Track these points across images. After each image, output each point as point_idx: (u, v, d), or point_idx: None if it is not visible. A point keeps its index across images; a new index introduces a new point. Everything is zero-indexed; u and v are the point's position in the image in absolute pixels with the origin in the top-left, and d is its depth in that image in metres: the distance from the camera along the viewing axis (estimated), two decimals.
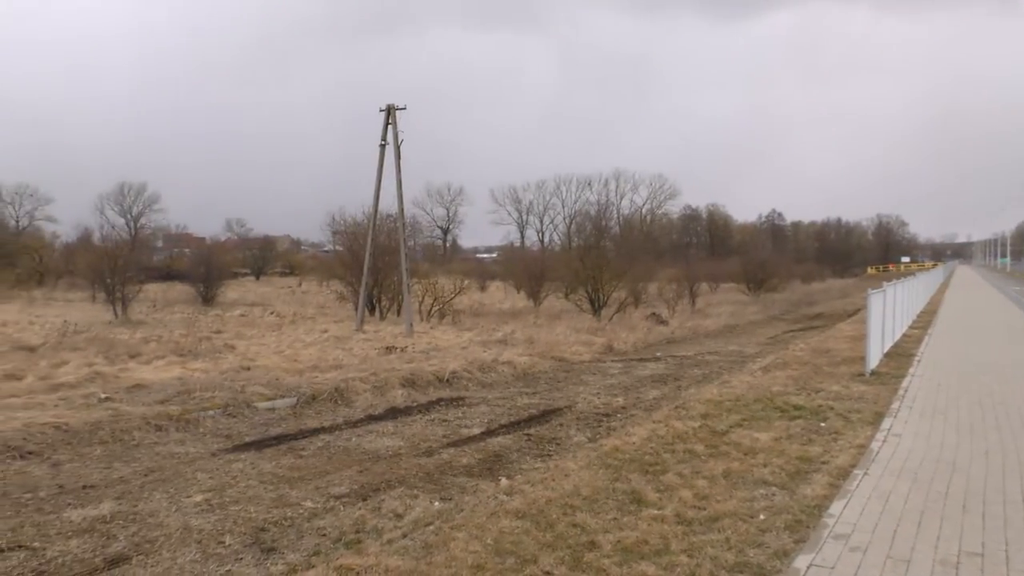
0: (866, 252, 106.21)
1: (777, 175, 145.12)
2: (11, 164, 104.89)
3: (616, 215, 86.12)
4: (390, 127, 23.11)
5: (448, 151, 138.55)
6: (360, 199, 66.75)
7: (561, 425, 10.20)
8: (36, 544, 5.54)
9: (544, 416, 10.86)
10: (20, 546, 5.49)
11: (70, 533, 5.80)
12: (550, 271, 36.71)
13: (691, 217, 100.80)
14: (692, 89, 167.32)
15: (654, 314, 29.46)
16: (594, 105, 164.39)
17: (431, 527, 5.30)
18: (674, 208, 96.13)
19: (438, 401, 12.06)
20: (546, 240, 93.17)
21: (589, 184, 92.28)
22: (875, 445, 7.14)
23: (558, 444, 9.07)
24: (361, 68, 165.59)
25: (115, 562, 5.23)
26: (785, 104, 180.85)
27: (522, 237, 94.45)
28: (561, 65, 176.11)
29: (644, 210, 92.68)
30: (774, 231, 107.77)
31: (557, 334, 21.65)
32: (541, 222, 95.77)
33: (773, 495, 5.74)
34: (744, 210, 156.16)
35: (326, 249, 73.92)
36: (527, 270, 39.49)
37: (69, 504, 6.55)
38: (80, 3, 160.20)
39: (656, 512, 5.39)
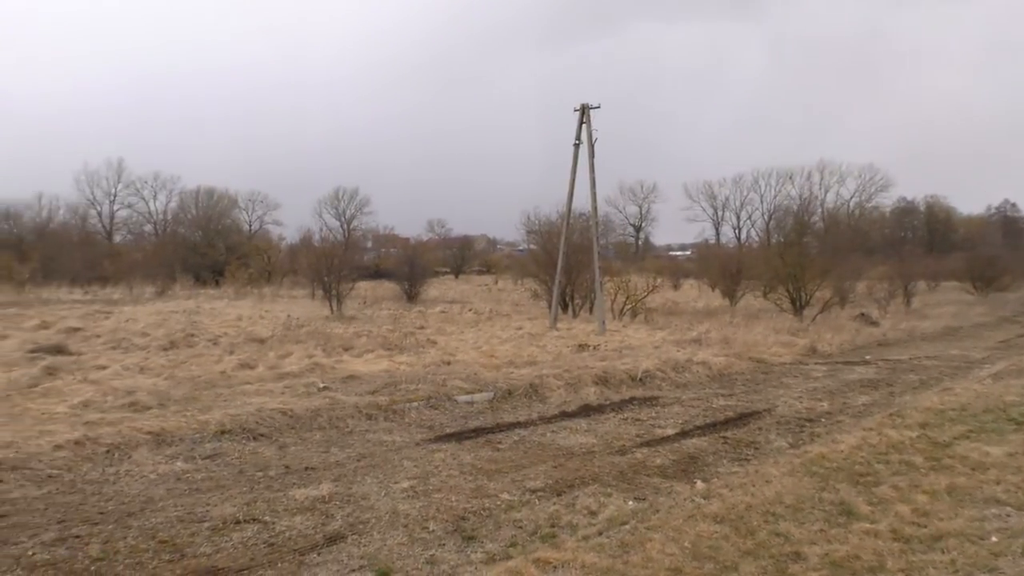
0: None
1: (1013, 163, 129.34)
2: (246, 173, 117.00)
3: (820, 209, 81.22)
4: (584, 126, 23.22)
5: (642, 148, 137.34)
6: (554, 198, 67.83)
7: (760, 429, 9.79)
8: (267, 518, 6.13)
9: (741, 419, 10.47)
10: (254, 519, 6.09)
11: (295, 510, 6.36)
12: (747, 269, 35.29)
13: (906, 210, 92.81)
14: (915, 70, 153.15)
15: (863, 314, 27.48)
16: (800, 94, 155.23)
17: (626, 526, 5.29)
18: (886, 200, 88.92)
19: (631, 400, 11.99)
20: (743, 237, 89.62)
21: (790, 177, 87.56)
22: None
23: (757, 448, 8.71)
24: (559, 68, 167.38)
25: (333, 539, 5.67)
26: None
27: (717, 234, 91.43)
28: (768, 53, 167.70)
29: (852, 203, 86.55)
30: (1006, 224, 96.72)
31: (755, 334, 20.77)
32: (738, 218, 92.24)
33: (1008, 516, 5.18)
34: (970, 201, 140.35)
35: (521, 248, 75.82)
36: (722, 268, 38.22)
37: (294, 484, 7.17)
38: (305, 31, 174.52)
39: (869, 526, 5.04)
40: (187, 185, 73.90)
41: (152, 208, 77.21)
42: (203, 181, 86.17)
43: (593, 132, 23.14)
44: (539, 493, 6.90)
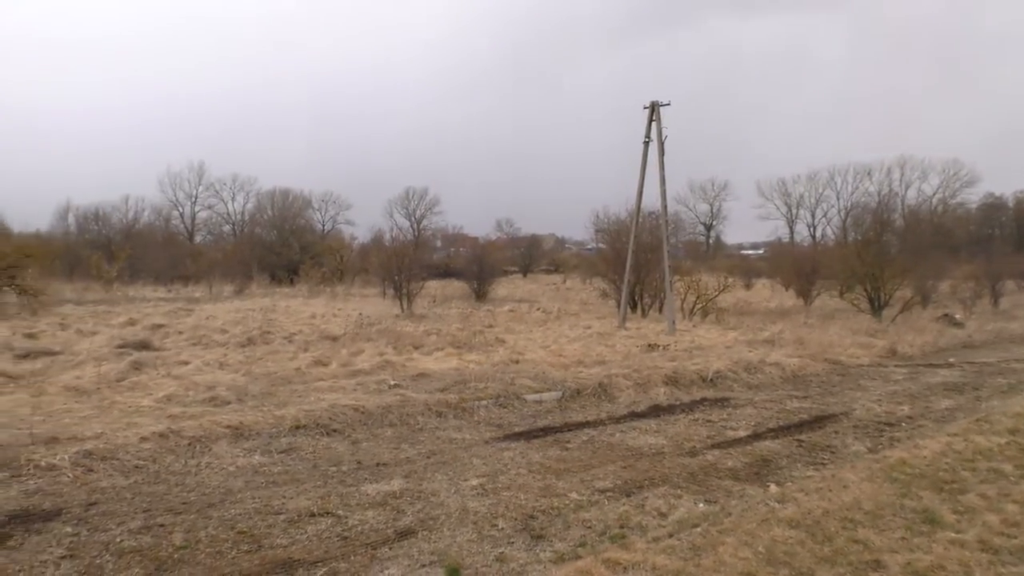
0: None
1: None
2: (320, 174, 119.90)
3: (900, 206, 78.33)
4: (653, 123, 22.98)
5: (714, 145, 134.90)
6: (623, 197, 67.08)
7: (836, 432, 9.51)
8: (340, 512, 6.26)
9: (817, 422, 10.19)
10: (327, 513, 6.23)
11: (367, 505, 6.48)
12: (822, 268, 34.31)
13: (994, 206, 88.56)
14: (1003, 58, 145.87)
15: (946, 315, 26.42)
16: (879, 87, 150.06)
17: (698, 529, 5.21)
18: (972, 196, 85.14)
19: (702, 401, 11.81)
20: (817, 235, 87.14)
21: (868, 173, 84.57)
22: None
23: (833, 452, 8.47)
24: (629, 65, 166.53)
25: (404, 534, 5.76)
26: None
27: (791, 232, 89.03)
28: (846, 45, 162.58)
29: (935, 200, 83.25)
30: None
31: (831, 335, 20.18)
32: (812, 216, 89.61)
33: None
34: None
35: (589, 247, 75.49)
36: (796, 266, 37.27)
37: (366, 479, 7.31)
38: (380, 37, 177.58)
39: (954, 535, 4.84)
40: (264, 186, 76.21)
41: (230, 209, 79.77)
42: (279, 182, 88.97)
43: (663, 129, 22.89)
44: (608, 493, 6.86)
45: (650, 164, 23.45)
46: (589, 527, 5.90)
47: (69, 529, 5.74)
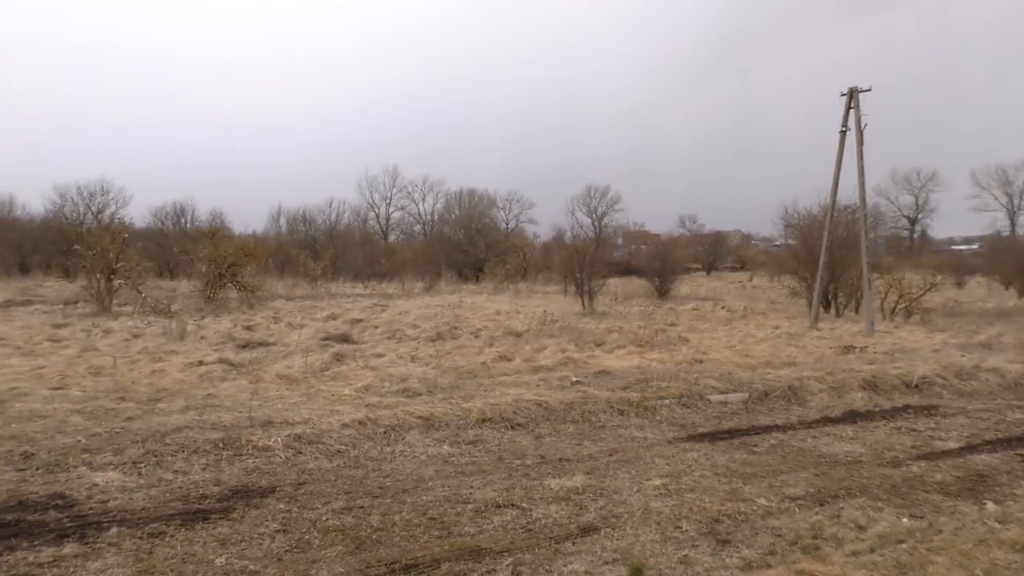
0: None
1: None
2: (504, 173, 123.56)
3: None
4: (852, 111, 21.58)
5: (921, 132, 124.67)
6: (815, 190, 63.64)
7: None
8: (524, 504, 6.41)
9: None
10: (512, 504, 6.40)
11: (550, 499, 6.58)
12: None
13: None
14: None
15: None
16: None
17: (903, 545, 4.84)
18: None
19: (905, 408, 10.95)
20: None
21: None
22: None
23: None
24: (824, 52, 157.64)
25: (586, 530, 5.79)
26: None
27: (1012, 225, 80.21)
28: None
29: None
30: None
31: None
32: None
33: None
34: None
35: (778, 243, 72.22)
36: (1019, 262, 33.69)
37: (548, 473, 7.42)
38: (565, 35, 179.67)
39: None
40: (451, 187, 79.63)
41: (421, 209, 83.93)
42: (466, 183, 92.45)
43: (862, 117, 21.44)
44: (799, 501, 6.53)
45: (847, 154, 22.07)
46: (779, 535, 5.65)
47: (282, 506, 6.29)
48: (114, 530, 5.56)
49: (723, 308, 29.51)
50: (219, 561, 5.08)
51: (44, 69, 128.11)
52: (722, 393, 11.25)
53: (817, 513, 6.17)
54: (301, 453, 7.83)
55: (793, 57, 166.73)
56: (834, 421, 10.10)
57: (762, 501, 6.50)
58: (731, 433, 9.32)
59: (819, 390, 11.62)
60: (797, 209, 37.67)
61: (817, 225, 28.34)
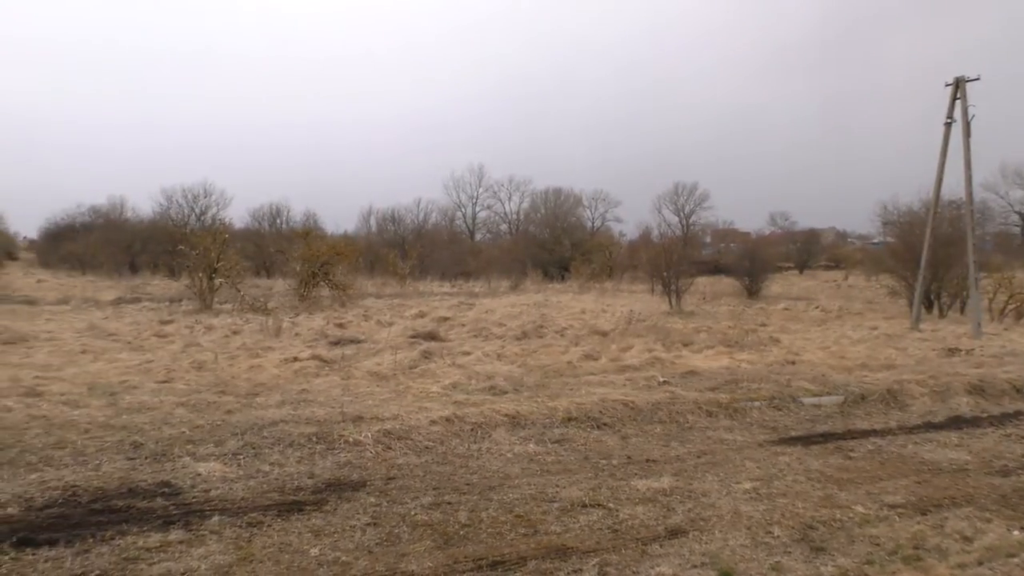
0: None
1: None
2: (590, 172, 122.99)
3: None
4: (958, 102, 20.51)
5: None
6: (915, 186, 60.86)
7: None
8: (610, 505, 6.38)
9: None
10: (598, 504, 6.38)
11: (636, 500, 6.53)
12: None
13: None
14: None
15: None
16: None
17: (1015, 559, 4.60)
18: None
19: (1016, 414, 10.37)
20: None
21: None
22: None
23: None
24: (921, 41, 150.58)
25: (674, 533, 5.73)
26: None
27: None
28: None
29: None
30: None
31: None
32: None
33: None
34: None
35: (875, 241, 69.40)
36: None
37: (635, 474, 7.37)
38: (652, 33, 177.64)
39: None
40: (537, 187, 79.68)
41: (507, 209, 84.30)
42: (551, 182, 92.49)
43: (969, 108, 20.37)
44: (899, 509, 6.28)
45: (952, 148, 21.02)
46: (877, 544, 5.45)
47: (372, 500, 6.45)
48: (216, 518, 5.83)
49: (816, 308, 28.59)
50: (313, 552, 5.26)
51: (168, 78, 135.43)
52: (815, 396, 10.91)
53: (919, 522, 5.92)
54: (390, 448, 8.01)
55: (892, 46, 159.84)
56: (937, 427, 9.66)
57: (859, 508, 6.28)
58: (825, 437, 9.04)
59: (921, 394, 11.14)
60: (896, 205, 36.01)
61: (918, 222, 27.16)
